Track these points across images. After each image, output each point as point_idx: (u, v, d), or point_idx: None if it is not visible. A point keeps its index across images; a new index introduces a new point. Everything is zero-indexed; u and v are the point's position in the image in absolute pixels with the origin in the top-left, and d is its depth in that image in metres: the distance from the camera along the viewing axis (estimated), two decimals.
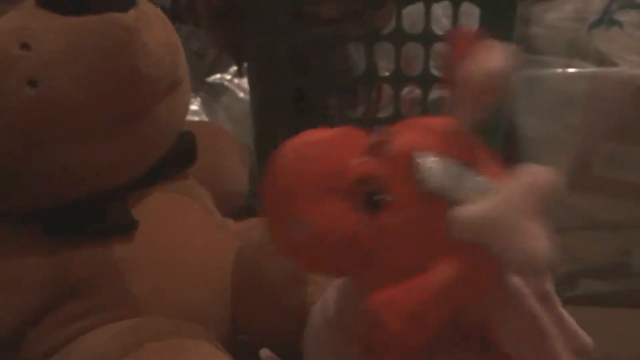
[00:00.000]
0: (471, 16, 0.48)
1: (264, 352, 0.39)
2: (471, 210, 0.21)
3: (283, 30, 0.46)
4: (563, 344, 0.24)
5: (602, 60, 0.53)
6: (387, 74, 0.50)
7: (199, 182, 0.40)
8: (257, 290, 0.36)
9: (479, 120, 0.24)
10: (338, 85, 0.52)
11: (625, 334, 0.48)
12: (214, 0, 0.52)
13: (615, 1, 0.55)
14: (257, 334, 0.38)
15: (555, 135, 0.52)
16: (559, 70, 0.52)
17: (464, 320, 0.25)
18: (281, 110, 0.48)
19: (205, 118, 0.67)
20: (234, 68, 0.68)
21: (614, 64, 0.52)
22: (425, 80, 0.49)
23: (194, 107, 0.66)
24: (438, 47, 0.47)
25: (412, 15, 0.49)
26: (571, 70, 0.52)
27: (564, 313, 0.29)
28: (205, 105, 0.67)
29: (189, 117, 0.52)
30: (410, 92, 0.53)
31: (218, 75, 0.70)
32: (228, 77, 0.70)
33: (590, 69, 0.52)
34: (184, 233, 0.36)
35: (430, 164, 0.23)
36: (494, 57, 0.22)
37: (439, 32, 0.47)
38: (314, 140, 0.26)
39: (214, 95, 0.69)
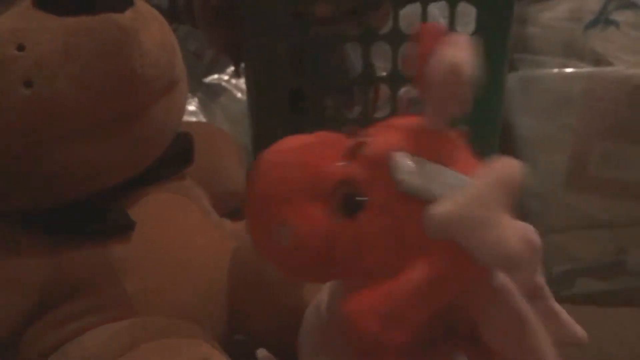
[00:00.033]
0: (468, 16, 0.48)
1: (261, 352, 0.40)
2: (441, 207, 0.21)
3: (280, 30, 0.46)
4: (549, 343, 0.24)
5: (598, 60, 0.53)
6: (384, 74, 0.50)
7: (197, 183, 0.40)
8: (254, 290, 0.36)
9: (451, 114, 0.23)
10: (335, 86, 0.52)
11: (622, 332, 0.48)
12: (212, 1, 0.52)
13: (611, 1, 0.55)
14: (254, 334, 0.38)
15: (552, 135, 0.52)
16: (555, 70, 0.53)
17: (453, 317, 0.25)
18: (278, 110, 0.48)
19: (202, 118, 0.67)
20: (232, 68, 0.68)
21: (610, 64, 0.52)
22: None
23: (191, 107, 0.66)
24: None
25: (409, 15, 0.49)
26: (567, 70, 0.52)
27: (556, 306, 0.29)
28: (203, 106, 0.68)
29: (187, 118, 0.52)
30: (408, 92, 0.53)
31: (215, 76, 0.70)
32: (225, 77, 0.70)
33: (587, 69, 0.52)
34: (181, 233, 0.36)
35: (406, 163, 0.23)
36: (454, 50, 0.22)
37: None
38: (293, 146, 0.26)
39: (211, 95, 0.69)
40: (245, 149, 0.48)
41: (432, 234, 0.21)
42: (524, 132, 0.53)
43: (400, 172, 0.22)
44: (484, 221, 0.20)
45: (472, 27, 0.47)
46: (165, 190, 0.37)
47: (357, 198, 0.23)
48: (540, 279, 0.29)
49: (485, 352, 0.25)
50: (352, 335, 0.22)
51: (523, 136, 0.53)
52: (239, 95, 0.69)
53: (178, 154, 0.38)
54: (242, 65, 0.54)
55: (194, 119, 0.66)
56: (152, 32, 0.32)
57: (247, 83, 0.51)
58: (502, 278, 0.24)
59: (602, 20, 0.54)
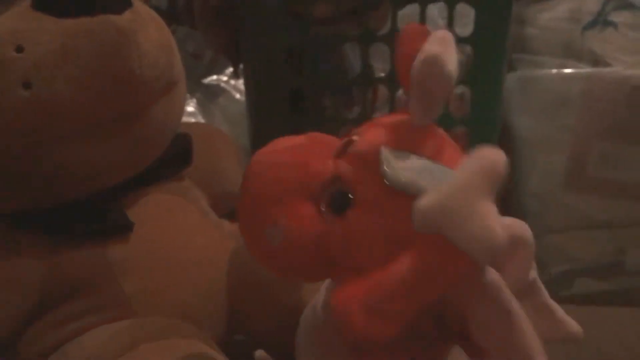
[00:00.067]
0: (466, 17, 0.48)
1: (259, 354, 0.40)
2: (425, 200, 0.21)
3: (279, 30, 0.46)
4: (538, 342, 0.24)
5: (597, 61, 0.53)
6: (382, 74, 0.50)
7: (195, 184, 0.40)
8: (253, 290, 0.36)
9: (436, 110, 0.24)
10: (334, 86, 0.52)
11: (621, 332, 0.48)
12: (211, 2, 0.52)
13: (609, 2, 0.55)
14: (253, 334, 0.38)
15: (550, 135, 0.52)
16: (554, 70, 0.53)
17: (446, 314, 0.25)
18: (277, 110, 0.48)
19: (201, 119, 0.67)
20: (230, 69, 0.68)
21: (608, 65, 0.52)
22: None
23: (190, 108, 0.66)
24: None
25: (407, 16, 0.49)
26: (566, 70, 0.52)
27: (550, 302, 0.29)
28: (202, 107, 0.68)
29: (185, 118, 0.52)
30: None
31: (214, 77, 0.70)
32: (224, 78, 0.70)
33: (585, 69, 0.52)
34: (180, 234, 0.36)
35: (393, 158, 0.23)
36: (435, 44, 0.22)
37: None
38: (283, 146, 0.26)
39: (210, 96, 0.69)
40: (244, 150, 0.48)
41: (420, 228, 0.21)
42: (523, 132, 0.53)
43: (387, 166, 0.23)
44: (466, 211, 0.19)
45: (470, 27, 0.47)
46: (164, 190, 0.37)
47: (346, 196, 0.24)
48: (534, 275, 0.29)
49: (477, 351, 0.25)
50: (341, 327, 0.22)
51: (522, 136, 0.54)
52: (238, 96, 0.69)
53: (177, 155, 0.38)
54: (241, 66, 0.54)
55: (192, 119, 0.66)
56: (150, 33, 0.32)
57: (246, 84, 0.52)
58: (492, 275, 0.24)
59: (600, 21, 0.54)
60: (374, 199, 0.23)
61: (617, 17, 0.54)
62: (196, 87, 0.69)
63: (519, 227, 0.27)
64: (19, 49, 0.29)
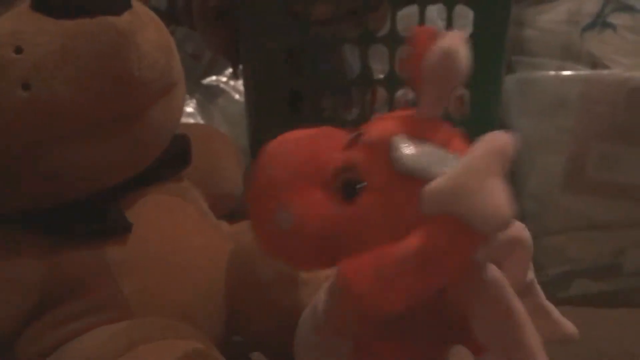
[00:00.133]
0: (465, 18, 0.48)
1: (256, 357, 0.40)
2: (437, 182, 0.21)
3: (278, 31, 0.46)
4: (538, 340, 0.24)
5: (595, 63, 0.53)
6: (381, 76, 0.50)
7: (194, 184, 0.40)
8: (252, 291, 0.36)
9: (444, 103, 0.24)
10: (333, 87, 0.52)
11: (619, 333, 0.48)
12: (210, 2, 0.52)
13: (608, 4, 0.55)
14: (251, 335, 0.38)
15: (549, 137, 0.52)
16: (552, 72, 0.53)
17: (447, 310, 0.25)
18: (276, 111, 0.48)
19: (200, 120, 0.67)
20: (230, 70, 0.68)
21: (607, 67, 0.52)
22: None
23: (189, 109, 0.66)
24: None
25: (406, 17, 0.49)
26: (565, 72, 0.52)
27: (547, 303, 0.29)
28: (201, 107, 0.68)
29: (184, 119, 0.52)
30: (405, 94, 0.53)
31: (213, 77, 0.70)
32: (224, 79, 0.70)
33: (583, 71, 0.52)
34: (179, 235, 0.36)
35: (405, 145, 0.23)
36: (450, 40, 0.23)
37: None
38: (295, 137, 0.27)
39: (209, 97, 0.69)
40: (243, 151, 0.48)
41: (428, 209, 0.21)
42: (522, 133, 0.54)
43: (398, 152, 0.23)
44: (476, 188, 0.20)
45: (469, 29, 0.47)
46: (163, 191, 0.37)
47: (357, 185, 0.24)
48: (531, 276, 0.29)
49: (478, 348, 0.25)
50: (347, 298, 0.22)
51: (520, 138, 0.54)
52: (237, 96, 0.69)
53: (176, 156, 0.38)
54: (241, 66, 0.54)
55: (191, 120, 0.66)
56: (149, 35, 0.32)
57: (245, 84, 0.52)
58: (494, 272, 0.24)
59: (599, 23, 0.55)
60: (384, 186, 0.23)
61: (616, 19, 0.55)
62: (195, 88, 0.69)
63: (517, 228, 0.27)
64: (19, 50, 0.29)
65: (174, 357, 0.28)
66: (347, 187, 0.24)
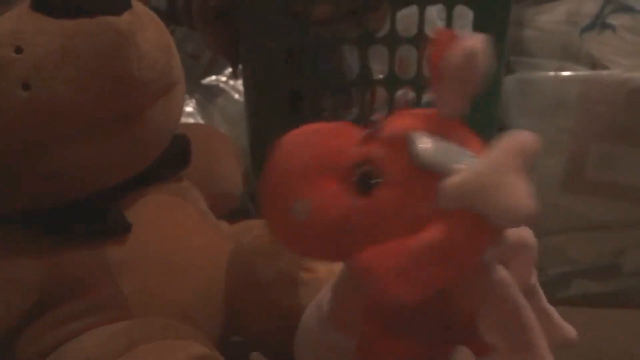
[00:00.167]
0: (465, 19, 0.48)
1: (255, 357, 0.40)
2: (457, 177, 0.22)
3: (278, 31, 0.46)
4: (544, 339, 0.24)
5: (594, 64, 0.53)
6: (381, 76, 0.50)
7: (194, 184, 0.40)
8: (252, 291, 0.36)
9: (464, 102, 0.25)
10: (333, 87, 0.52)
11: (618, 333, 0.48)
12: (210, 2, 0.52)
13: (608, 5, 0.55)
14: (251, 335, 0.38)
15: (548, 137, 0.52)
16: (552, 73, 0.53)
17: (450, 310, 0.26)
18: (276, 111, 0.48)
19: (200, 120, 0.67)
20: (229, 70, 0.68)
21: (606, 68, 0.53)
22: (419, 83, 0.49)
23: (189, 108, 0.66)
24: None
25: (406, 18, 0.49)
26: (564, 73, 0.52)
27: (548, 306, 0.29)
28: (201, 107, 0.68)
29: (184, 119, 0.52)
30: (404, 94, 0.53)
31: (213, 77, 0.70)
32: (223, 78, 0.70)
33: (583, 72, 0.52)
34: (178, 235, 0.36)
35: (424, 141, 0.24)
36: (467, 42, 0.23)
37: (433, 35, 0.48)
38: (312, 129, 0.27)
39: (209, 97, 0.69)
40: (243, 151, 0.48)
41: (447, 204, 0.22)
42: None
43: (418, 146, 0.23)
44: (499, 184, 0.21)
45: (469, 29, 0.47)
46: (162, 191, 0.37)
47: (373, 180, 0.24)
48: (535, 280, 0.29)
49: (483, 346, 0.25)
50: (367, 285, 0.22)
51: None
52: (237, 96, 0.69)
53: (175, 156, 0.38)
54: (240, 66, 0.54)
55: (191, 120, 0.66)
56: (149, 35, 0.32)
57: (245, 84, 0.52)
58: (502, 272, 0.25)
59: (598, 23, 0.55)
60: (402, 180, 0.24)
61: (616, 20, 0.55)
62: (195, 88, 0.69)
63: (523, 232, 0.28)
64: (18, 50, 0.29)
65: (174, 357, 0.28)
66: (363, 181, 0.25)
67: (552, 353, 0.25)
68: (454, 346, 0.26)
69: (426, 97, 0.50)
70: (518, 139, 0.22)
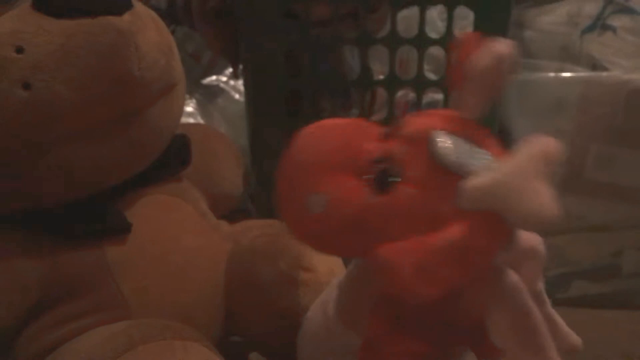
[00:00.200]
0: (465, 19, 0.48)
1: (253, 357, 0.40)
2: (481, 179, 0.22)
3: (277, 31, 0.46)
4: (553, 344, 0.24)
5: (595, 65, 0.53)
6: (381, 77, 0.50)
7: (193, 185, 0.40)
8: (250, 291, 0.36)
9: (484, 108, 0.25)
10: (332, 88, 0.52)
11: (616, 334, 0.48)
12: (210, 2, 0.52)
13: (608, 6, 0.55)
14: (250, 335, 0.38)
15: None
16: (552, 74, 0.53)
17: (458, 314, 0.26)
18: (276, 112, 0.48)
19: (200, 120, 0.67)
20: (230, 70, 0.68)
21: (606, 69, 0.53)
22: (420, 84, 0.49)
23: (189, 108, 0.66)
24: (432, 50, 0.47)
25: (407, 18, 0.49)
26: (564, 74, 0.52)
27: (554, 313, 0.29)
28: (201, 107, 0.68)
29: (184, 119, 0.52)
30: (405, 95, 0.53)
31: (213, 77, 0.70)
32: (224, 79, 0.70)
33: (583, 73, 0.52)
34: (177, 235, 0.36)
35: (446, 140, 0.24)
36: (495, 46, 0.24)
37: (433, 35, 0.48)
38: (331, 123, 0.27)
39: (209, 97, 0.69)
40: (243, 151, 0.48)
41: (467, 204, 0.22)
42: (521, 135, 0.54)
43: (440, 145, 0.24)
44: (523, 188, 0.21)
45: (469, 30, 0.47)
46: (162, 191, 0.37)
47: (391, 178, 0.24)
48: (541, 286, 0.29)
49: (491, 349, 0.25)
50: (383, 280, 0.23)
51: (519, 139, 0.54)
52: (237, 96, 0.69)
53: (175, 156, 0.38)
54: (241, 66, 0.54)
55: (191, 120, 0.66)
56: (150, 35, 0.32)
57: (245, 84, 0.52)
58: (513, 277, 0.25)
59: (599, 25, 0.55)
60: (422, 178, 0.24)
61: (616, 21, 0.55)
62: (195, 88, 0.69)
63: (532, 238, 0.28)
64: (19, 50, 0.29)
65: (174, 358, 0.28)
66: (381, 178, 0.25)
67: None
68: (457, 349, 0.26)
69: (427, 97, 0.50)
70: (542, 144, 0.22)
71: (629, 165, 0.51)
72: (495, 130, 0.51)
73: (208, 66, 0.70)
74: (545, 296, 0.30)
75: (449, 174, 0.23)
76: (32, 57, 0.29)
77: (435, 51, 0.48)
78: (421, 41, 0.47)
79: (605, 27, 0.54)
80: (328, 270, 0.37)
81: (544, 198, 0.21)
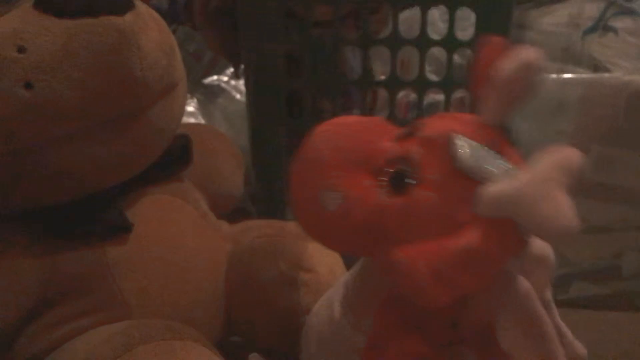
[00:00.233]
0: (467, 21, 0.48)
1: (253, 358, 0.40)
2: (500, 186, 0.22)
3: (278, 32, 0.46)
4: (563, 351, 0.24)
5: (596, 66, 0.53)
6: (382, 77, 0.50)
7: (194, 184, 0.40)
8: (250, 292, 0.36)
9: (507, 115, 0.25)
10: (332, 88, 0.52)
11: (616, 335, 0.48)
12: (212, 2, 0.52)
13: (610, 8, 0.55)
14: (250, 336, 0.38)
15: (548, 139, 0.52)
16: (553, 75, 0.53)
17: (465, 319, 0.26)
18: (276, 112, 0.48)
19: (201, 119, 0.67)
20: (231, 70, 0.68)
21: (608, 70, 0.53)
22: (421, 85, 0.49)
23: (190, 108, 0.66)
24: (433, 51, 0.47)
25: (408, 19, 0.49)
26: (565, 75, 0.52)
27: (561, 322, 0.29)
28: (202, 107, 0.68)
29: (185, 119, 0.52)
30: (406, 96, 0.53)
31: (214, 77, 0.70)
32: (224, 78, 0.70)
33: (584, 74, 0.52)
34: (177, 235, 0.36)
35: (466, 144, 0.24)
36: (523, 53, 0.24)
37: (435, 37, 0.48)
38: (347, 121, 0.27)
39: (210, 96, 0.69)
40: (243, 151, 0.48)
41: (484, 210, 0.22)
42: (521, 136, 0.54)
43: (459, 149, 0.24)
44: (543, 197, 0.21)
45: (471, 31, 0.47)
46: (163, 191, 0.37)
47: (407, 179, 0.24)
48: (549, 294, 0.29)
49: (495, 354, 0.25)
50: (403, 283, 0.23)
51: (520, 141, 0.54)
52: (238, 96, 0.69)
53: (176, 156, 0.38)
54: (242, 66, 0.54)
55: (192, 119, 0.66)
56: (151, 35, 0.32)
57: (246, 84, 0.52)
58: (524, 283, 0.25)
59: (600, 26, 0.55)
60: (438, 180, 0.24)
61: (618, 22, 0.55)
62: (196, 88, 0.69)
63: (544, 247, 0.28)
64: (21, 50, 0.29)
65: (173, 358, 0.28)
66: (397, 178, 0.25)
67: None
68: (459, 352, 0.26)
69: (428, 98, 0.50)
70: (563, 154, 0.22)
71: (630, 166, 0.51)
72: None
73: (209, 66, 0.70)
74: (554, 306, 0.30)
75: (466, 179, 0.23)
76: (34, 56, 0.29)
77: (437, 52, 0.48)
78: (423, 42, 0.47)
79: (607, 29, 0.54)
80: (328, 270, 0.37)
81: (563, 208, 0.21)
